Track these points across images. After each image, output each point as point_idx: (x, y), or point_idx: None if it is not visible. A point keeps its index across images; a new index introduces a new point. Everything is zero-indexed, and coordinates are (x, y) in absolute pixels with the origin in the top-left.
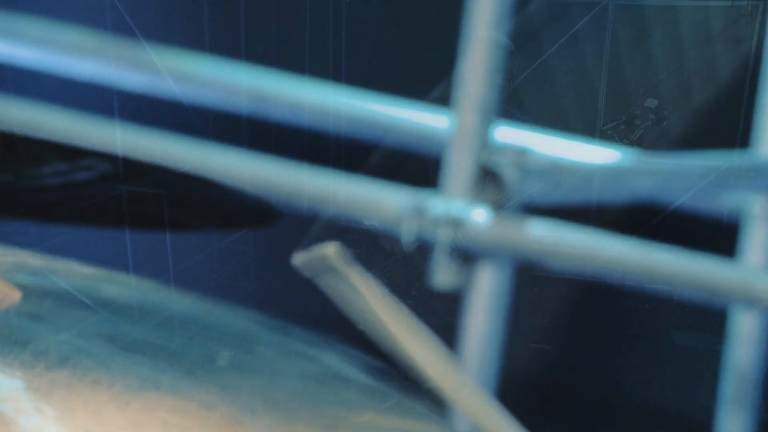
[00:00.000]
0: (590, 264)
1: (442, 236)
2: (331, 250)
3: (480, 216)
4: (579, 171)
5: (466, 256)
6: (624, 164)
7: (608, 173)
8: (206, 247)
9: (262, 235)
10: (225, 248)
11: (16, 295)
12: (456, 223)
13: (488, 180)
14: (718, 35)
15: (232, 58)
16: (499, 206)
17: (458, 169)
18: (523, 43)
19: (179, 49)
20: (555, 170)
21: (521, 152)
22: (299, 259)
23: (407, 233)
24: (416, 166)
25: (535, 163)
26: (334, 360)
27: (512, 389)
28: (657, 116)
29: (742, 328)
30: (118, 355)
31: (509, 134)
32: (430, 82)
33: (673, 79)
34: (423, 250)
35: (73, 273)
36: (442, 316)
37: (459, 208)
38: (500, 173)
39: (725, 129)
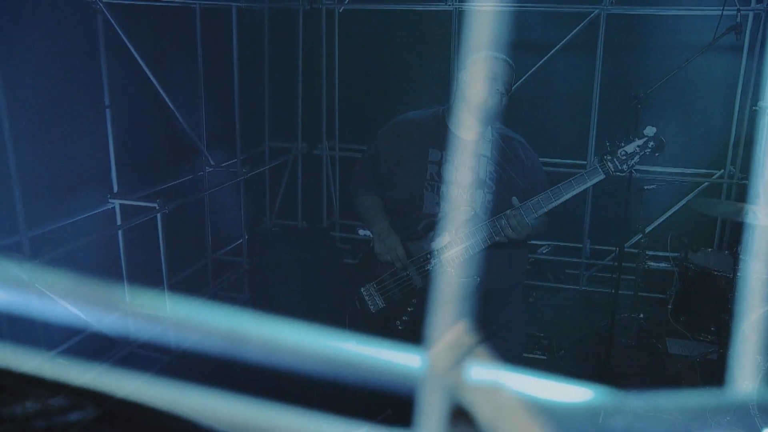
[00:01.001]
0: None
1: None
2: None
3: None
4: (553, 409)
5: None
6: (598, 402)
7: (582, 411)
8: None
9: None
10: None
11: None
12: None
13: (461, 419)
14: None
15: (224, 66)
16: None
17: (431, 407)
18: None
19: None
20: (529, 408)
21: (495, 390)
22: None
23: None
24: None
25: (509, 401)
26: None
27: None
28: (656, 143)
29: None
30: None
31: (482, 371)
32: (423, 91)
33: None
34: None
35: None
36: None
37: None
38: (473, 412)
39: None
